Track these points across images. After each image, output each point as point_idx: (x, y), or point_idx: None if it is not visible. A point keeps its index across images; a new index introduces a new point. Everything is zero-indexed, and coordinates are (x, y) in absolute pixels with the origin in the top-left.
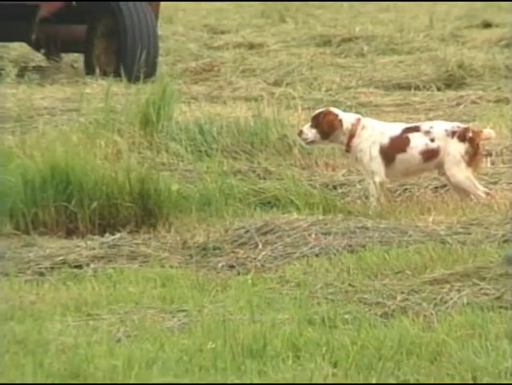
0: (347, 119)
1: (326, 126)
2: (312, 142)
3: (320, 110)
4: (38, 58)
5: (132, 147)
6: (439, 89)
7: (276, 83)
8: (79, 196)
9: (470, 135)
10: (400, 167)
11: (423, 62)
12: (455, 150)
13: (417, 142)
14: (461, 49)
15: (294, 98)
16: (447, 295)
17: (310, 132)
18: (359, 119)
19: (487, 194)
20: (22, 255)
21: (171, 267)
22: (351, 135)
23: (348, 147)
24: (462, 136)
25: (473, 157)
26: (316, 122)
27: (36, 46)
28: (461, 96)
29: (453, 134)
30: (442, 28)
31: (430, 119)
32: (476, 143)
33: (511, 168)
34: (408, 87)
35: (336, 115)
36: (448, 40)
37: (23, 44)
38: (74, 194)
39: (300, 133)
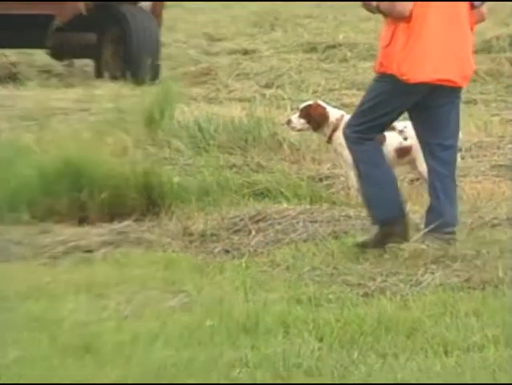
0: (333, 113)
1: (318, 118)
2: (299, 130)
3: (309, 102)
4: (54, 63)
5: (137, 143)
6: None
7: (267, 86)
8: (89, 188)
9: None
10: None
11: None
12: None
13: (392, 140)
14: None
15: (283, 99)
16: (421, 277)
17: (299, 122)
18: (343, 115)
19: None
20: (39, 241)
21: (173, 252)
22: (334, 129)
23: (330, 140)
24: None
25: None
26: (305, 113)
27: (51, 53)
28: None
29: None
30: None
31: (405, 120)
32: None
33: (479, 163)
34: None
35: (325, 108)
36: None
37: (39, 51)
38: (85, 186)
39: (288, 122)
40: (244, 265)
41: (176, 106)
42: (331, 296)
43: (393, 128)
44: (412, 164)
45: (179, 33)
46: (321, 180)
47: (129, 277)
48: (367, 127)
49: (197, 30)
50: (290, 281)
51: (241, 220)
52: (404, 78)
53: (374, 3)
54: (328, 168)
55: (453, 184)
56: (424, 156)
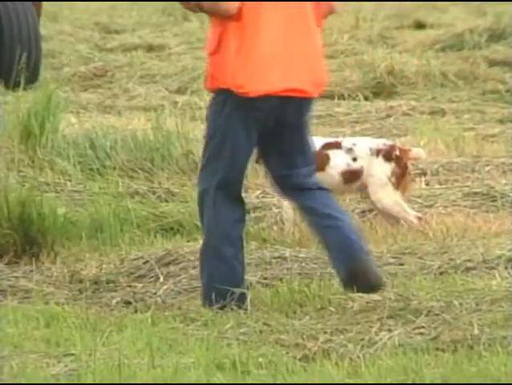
0: None
1: None
2: None
3: None
4: None
5: (10, 164)
6: (366, 98)
7: (179, 91)
8: None
9: (397, 153)
10: None
11: (348, 68)
12: (380, 171)
13: (338, 161)
14: (391, 52)
15: (200, 108)
16: (376, 335)
17: None
18: None
19: (420, 219)
20: None
21: (56, 304)
22: None
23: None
24: (388, 155)
25: (400, 179)
26: None
27: None
28: (392, 107)
29: (377, 153)
30: (370, 29)
31: (356, 133)
32: (403, 162)
33: (448, 190)
34: (331, 96)
35: None
36: (376, 42)
37: None
38: None
39: None
40: (149, 320)
41: (62, 116)
42: (260, 360)
43: (339, 146)
44: (364, 191)
45: (64, 23)
46: (248, 211)
47: None
48: (219, 181)
49: (88, 20)
50: (208, 340)
51: (146, 262)
52: (242, 91)
53: (193, 1)
54: (257, 197)
55: (334, 205)
56: (288, 193)
